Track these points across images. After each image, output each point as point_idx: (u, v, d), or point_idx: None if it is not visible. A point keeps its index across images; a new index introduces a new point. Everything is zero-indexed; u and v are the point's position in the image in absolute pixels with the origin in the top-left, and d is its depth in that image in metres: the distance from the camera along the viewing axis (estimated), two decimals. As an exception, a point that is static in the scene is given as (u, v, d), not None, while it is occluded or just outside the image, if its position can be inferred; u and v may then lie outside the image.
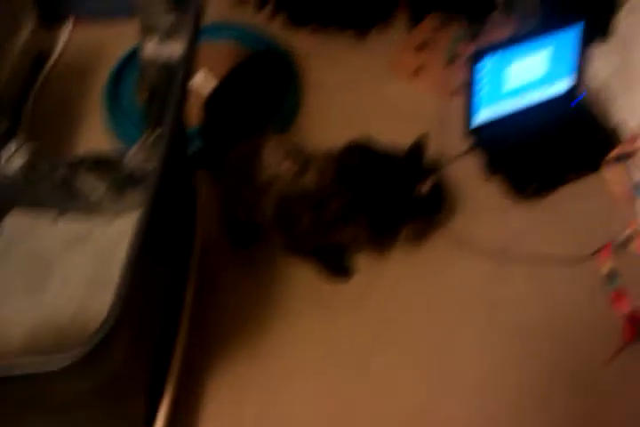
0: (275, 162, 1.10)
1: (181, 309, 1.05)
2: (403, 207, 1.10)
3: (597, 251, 1.20)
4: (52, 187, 1.15)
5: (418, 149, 1.14)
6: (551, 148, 1.35)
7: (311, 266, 1.19)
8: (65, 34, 1.57)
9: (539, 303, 1.16)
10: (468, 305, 1.17)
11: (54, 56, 1.53)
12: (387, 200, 1.09)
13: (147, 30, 1.07)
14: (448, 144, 1.35)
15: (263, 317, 1.16)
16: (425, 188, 1.08)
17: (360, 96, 1.46)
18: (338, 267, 1.20)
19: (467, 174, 1.32)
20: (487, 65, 1.28)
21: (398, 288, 1.19)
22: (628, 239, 1.21)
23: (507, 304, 1.16)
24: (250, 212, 1.15)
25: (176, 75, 0.92)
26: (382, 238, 1.16)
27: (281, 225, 1.13)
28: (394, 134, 1.37)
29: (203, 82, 1.40)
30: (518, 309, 1.16)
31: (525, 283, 1.19)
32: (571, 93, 1.42)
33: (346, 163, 1.10)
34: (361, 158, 1.11)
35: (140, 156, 1.16)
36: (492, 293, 1.18)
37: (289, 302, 1.17)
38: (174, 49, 1.07)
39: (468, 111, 1.34)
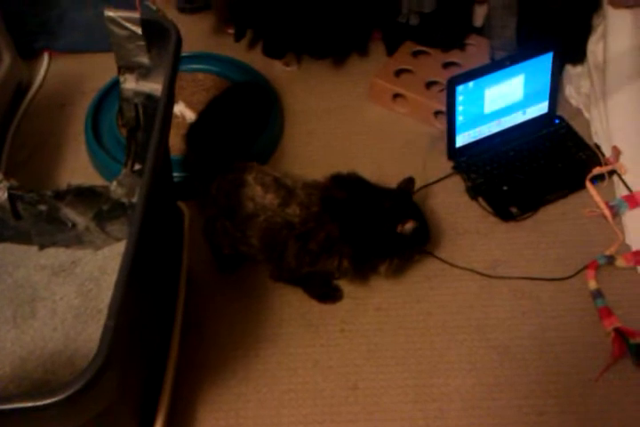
0: (258, 195, 1.15)
1: (171, 335, 1.08)
2: (385, 242, 1.16)
3: (583, 268, 1.26)
4: (35, 219, 1.20)
5: (406, 187, 1.21)
6: (532, 169, 1.42)
7: (299, 291, 1.24)
8: (43, 67, 1.64)
9: (526, 322, 1.21)
10: (455, 326, 1.21)
11: (34, 89, 1.59)
12: (371, 233, 1.15)
13: (124, 69, 1.13)
14: (430, 168, 1.42)
15: (252, 341, 1.19)
16: (407, 227, 1.14)
17: (340, 123, 1.54)
18: (325, 292, 1.25)
19: (449, 197, 1.39)
20: (464, 91, 1.36)
21: (386, 311, 1.23)
22: (614, 255, 1.27)
23: (495, 324, 1.21)
24: (234, 244, 1.20)
25: (156, 111, 0.96)
26: (364, 269, 1.21)
27: (267, 255, 1.18)
28: (375, 160, 1.47)
29: (180, 114, 1.46)
30: (506, 328, 1.20)
31: (512, 302, 1.24)
32: (549, 116, 1.50)
33: (332, 195, 1.16)
34: (347, 191, 1.16)
35: (123, 187, 1.21)
36: (479, 313, 1.23)
37: (278, 326, 1.21)
38: (153, 87, 1.13)
39: (449, 135, 1.42)
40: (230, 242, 1.20)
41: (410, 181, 1.21)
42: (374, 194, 1.17)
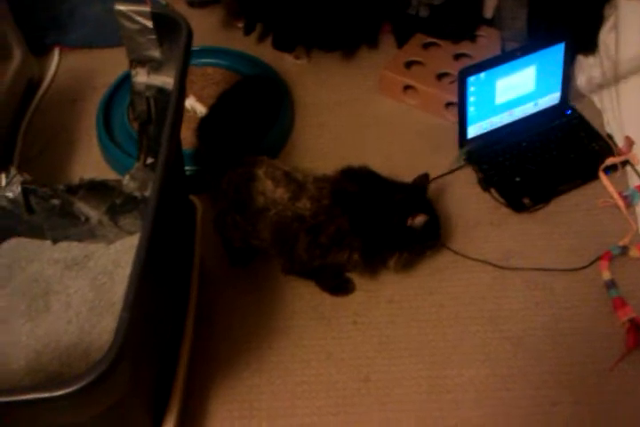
0: (269, 189, 1.17)
1: (183, 328, 1.10)
2: (395, 235, 1.16)
3: (596, 259, 1.27)
4: (49, 213, 1.21)
5: (421, 182, 1.21)
6: (544, 160, 1.43)
7: (311, 283, 1.26)
8: (54, 62, 1.66)
9: (540, 313, 1.22)
10: (468, 318, 1.22)
11: (45, 84, 1.61)
12: (380, 226, 1.16)
13: (135, 63, 1.14)
14: (441, 159, 1.43)
15: (265, 334, 1.21)
16: (417, 221, 1.14)
17: (351, 115, 1.55)
18: (337, 284, 1.26)
19: (462, 189, 1.40)
20: (476, 82, 1.37)
21: (398, 303, 1.25)
22: (628, 245, 1.27)
23: (508, 315, 1.22)
24: (245, 237, 1.21)
25: (167, 105, 0.97)
26: (374, 262, 1.22)
27: (278, 249, 1.20)
28: (386, 152, 1.48)
29: (191, 108, 1.47)
30: (520, 319, 1.21)
31: (526, 293, 1.24)
32: (561, 106, 1.50)
33: (343, 188, 1.17)
34: (358, 184, 1.17)
35: (136, 181, 1.22)
36: (492, 304, 1.23)
37: (290, 318, 1.23)
38: (164, 81, 1.14)
39: (460, 127, 1.42)
40: (241, 236, 1.21)
41: (425, 177, 1.22)
42: (385, 187, 1.18)
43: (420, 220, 1.13)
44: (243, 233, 1.20)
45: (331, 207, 1.14)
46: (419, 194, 1.20)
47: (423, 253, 1.24)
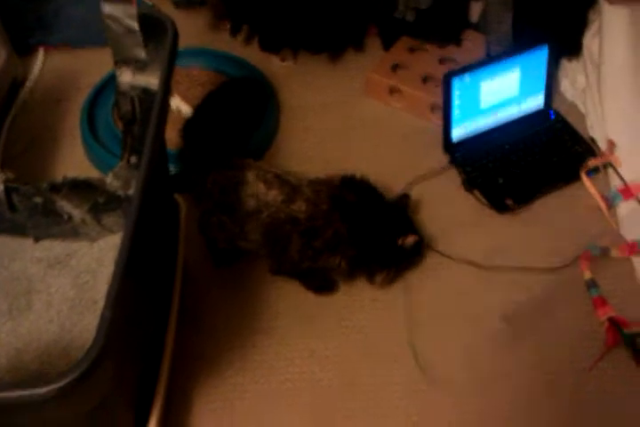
0: (261, 191, 1.19)
1: (166, 328, 1.11)
2: (386, 252, 1.20)
3: (576, 258, 1.29)
4: (31, 212, 1.22)
5: (402, 202, 1.26)
6: (527, 162, 1.45)
7: (295, 284, 1.27)
8: (39, 62, 1.67)
9: (521, 312, 1.24)
10: (452, 318, 1.24)
11: (29, 84, 1.62)
12: (376, 240, 1.19)
13: (120, 63, 1.15)
14: (426, 161, 1.46)
15: (249, 333, 1.22)
16: (409, 242, 1.19)
17: (337, 118, 1.56)
18: (321, 284, 1.28)
19: (446, 190, 1.42)
20: (461, 85, 1.39)
21: (382, 303, 1.26)
22: (609, 246, 1.30)
23: (490, 314, 1.24)
24: (231, 238, 1.23)
25: (152, 105, 0.99)
26: (360, 273, 1.25)
27: (269, 250, 1.22)
28: (372, 155, 1.50)
29: (176, 108, 1.48)
30: (501, 318, 1.23)
31: (507, 292, 1.27)
32: (544, 110, 1.53)
33: (344, 196, 1.20)
34: (356, 194, 1.21)
35: (119, 180, 1.23)
36: (475, 303, 1.26)
37: (274, 318, 1.24)
38: (149, 81, 1.15)
39: (445, 129, 1.45)
40: (227, 237, 1.23)
41: (405, 198, 1.27)
42: (382, 203, 1.22)
43: (411, 240, 1.18)
44: (229, 234, 1.22)
45: (329, 212, 1.17)
46: (401, 213, 1.24)
47: (407, 269, 1.28)
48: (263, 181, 1.19)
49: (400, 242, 1.18)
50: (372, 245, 1.19)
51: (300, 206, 1.17)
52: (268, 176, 1.19)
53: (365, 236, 1.18)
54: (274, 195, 1.17)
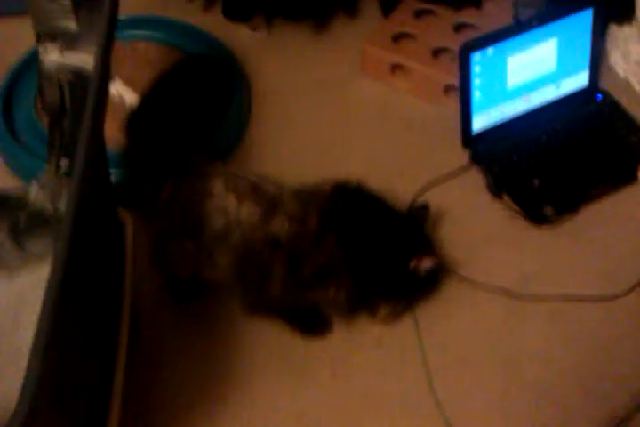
0: (231, 205, 1.17)
1: (112, 379, 1.09)
2: (396, 278, 1.19)
3: (636, 285, 1.29)
4: None
5: (420, 214, 1.25)
6: (569, 158, 1.45)
7: (277, 323, 1.25)
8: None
9: (569, 354, 1.24)
10: (479, 362, 1.23)
11: None
12: (381, 264, 1.18)
13: (44, 38, 1.14)
14: (440, 159, 1.45)
15: (218, 389, 1.20)
16: (424, 266, 1.17)
17: (324, 104, 1.56)
18: (311, 323, 1.27)
19: (466, 196, 1.42)
20: (482, 60, 1.38)
21: (388, 347, 1.25)
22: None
23: (529, 358, 1.23)
24: (194, 268, 1.22)
25: (86, 91, 0.97)
26: (362, 307, 1.24)
27: (243, 282, 1.20)
28: (369, 151, 1.49)
29: (118, 95, 1.47)
30: (544, 363, 1.23)
31: (548, 327, 1.26)
32: (589, 90, 1.53)
33: (336, 210, 1.18)
34: (355, 207, 1.19)
35: (46, 191, 1.22)
36: (509, 344, 1.25)
37: (250, 369, 1.22)
38: (82, 59, 1.14)
39: (464, 117, 1.44)
40: (190, 266, 1.22)
41: (425, 210, 1.26)
42: (387, 216, 1.21)
43: (427, 264, 1.17)
44: (192, 263, 1.21)
45: (319, 231, 1.16)
46: (417, 228, 1.23)
47: (419, 299, 1.27)
48: (234, 191, 1.17)
49: (413, 265, 1.17)
50: (375, 271, 1.18)
51: (281, 224, 1.15)
52: (241, 185, 1.18)
53: (367, 260, 1.17)
54: (248, 210, 1.16)
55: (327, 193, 1.20)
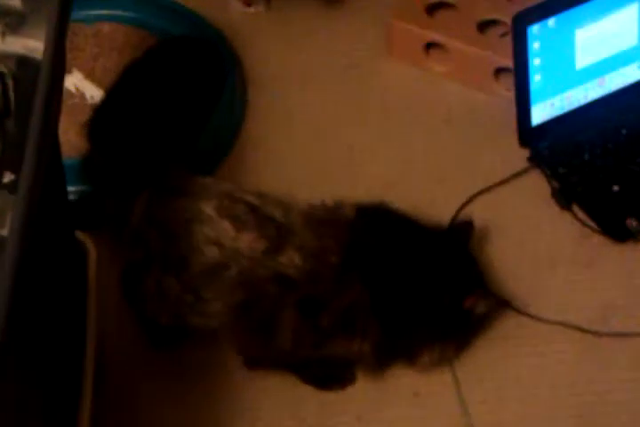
0: (227, 235, 1.18)
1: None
2: (440, 322, 1.21)
3: None
4: None
5: (460, 234, 1.27)
6: (658, 156, 1.48)
7: (287, 374, 1.28)
8: None
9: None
10: (548, 418, 1.24)
11: None
12: (421, 308, 1.20)
13: None
14: (491, 161, 1.48)
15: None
16: (483, 305, 1.20)
17: (339, 94, 1.59)
18: (329, 374, 1.29)
19: (526, 206, 1.44)
20: (542, 34, 1.40)
21: (429, 397, 1.27)
22: None
23: (614, 411, 1.24)
24: (179, 312, 1.23)
25: (36, 86, 0.98)
26: (394, 357, 1.26)
27: (244, 333, 1.22)
28: (399, 151, 1.52)
29: (77, 92, 1.51)
30: (633, 417, 1.23)
31: (636, 373, 1.27)
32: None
33: (362, 239, 1.20)
34: (384, 237, 1.22)
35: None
36: (587, 394, 1.26)
37: (252, 429, 1.25)
38: (29, 46, 1.13)
39: (520, 108, 1.46)
40: (172, 310, 1.23)
41: (467, 228, 1.28)
42: (423, 242, 1.23)
43: (486, 304, 1.20)
44: (176, 305, 1.22)
45: (342, 269, 1.17)
46: (466, 255, 1.26)
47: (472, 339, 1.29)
48: (230, 216, 1.19)
49: (468, 305, 1.19)
50: (412, 314, 1.20)
51: (291, 259, 1.16)
52: (238, 209, 1.20)
53: (400, 301, 1.19)
54: (249, 240, 1.17)
55: (348, 219, 1.22)
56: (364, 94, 1.59)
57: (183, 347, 1.31)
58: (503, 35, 1.52)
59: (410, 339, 1.22)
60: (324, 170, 1.49)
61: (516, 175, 1.46)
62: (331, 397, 1.27)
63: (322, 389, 1.28)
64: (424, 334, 1.22)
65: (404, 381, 1.28)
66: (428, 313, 1.20)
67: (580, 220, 1.41)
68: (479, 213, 1.39)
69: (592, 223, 1.40)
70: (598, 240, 1.39)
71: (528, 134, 1.48)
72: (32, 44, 1.13)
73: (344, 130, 1.55)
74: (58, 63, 1.02)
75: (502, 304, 1.32)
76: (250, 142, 1.54)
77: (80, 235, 1.27)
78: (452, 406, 1.26)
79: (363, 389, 1.28)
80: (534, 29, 1.39)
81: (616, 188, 1.43)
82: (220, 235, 1.17)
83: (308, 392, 1.28)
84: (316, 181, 1.46)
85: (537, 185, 1.45)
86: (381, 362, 1.25)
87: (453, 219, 1.39)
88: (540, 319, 1.32)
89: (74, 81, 1.50)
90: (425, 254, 1.21)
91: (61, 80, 1.07)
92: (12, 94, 1.18)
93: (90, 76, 1.51)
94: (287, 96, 1.58)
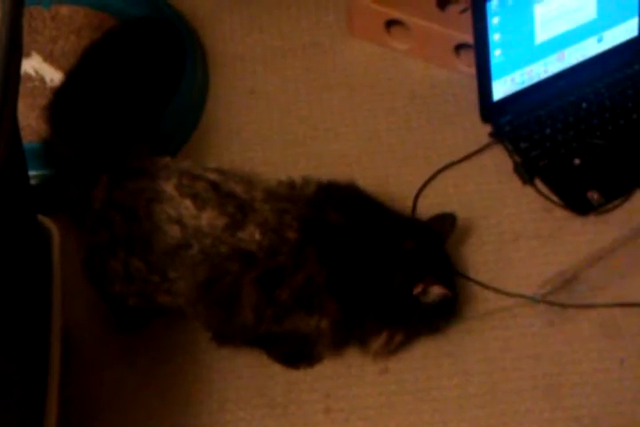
0: (188, 213, 1.18)
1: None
2: (390, 306, 1.21)
3: None
4: None
5: (442, 227, 1.27)
6: (617, 129, 1.48)
7: (255, 350, 1.29)
8: None
9: (627, 376, 1.25)
10: (513, 390, 1.25)
11: None
12: (372, 288, 1.20)
13: None
14: (454, 138, 1.49)
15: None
16: (432, 294, 1.19)
17: (301, 74, 1.59)
18: (296, 351, 1.30)
19: (489, 182, 1.45)
20: (502, 9, 1.40)
21: (397, 374, 1.28)
22: None
23: (576, 382, 1.25)
24: (144, 292, 1.23)
25: None
26: (351, 337, 1.27)
27: (208, 309, 1.22)
28: (363, 131, 1.52)
29: (36, 75, 1.50)
30: (595, 388, 1.25)
31: (601, 343, 1.28)
32: (640, 43, 1.57)
33: (319, 217, 1.20)
34: (344, 212, 1.21)
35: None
36: (549, 366, 1.27)
37: (221, 409, 1.25)
38: None
39: (481, 83, 1.46)
40: (139, 290, 1.23)
41: (450, 221, 1.28)
42: (387, 224, 1.23)
43: (436, 292, 1.19)
44: (142, 286, 1.22)
45: (299, 244, 1.17)
46: (437, 244, 1.25)
47: (425, 333, 1.29)
48: (191, 195, 1.19)
49: (416, 291, 1.19)
50: (365, 294, 1.20)
51: (251, 235, 1.17)
52: (199, 187, 1.20)
53: (355, 279, 1.19)
54: (210, 218, 1.18)
55: (309, 196, 1.22)
56: (327, 73, 1.58)
57: (151, 328, 1.32)
58: (463, 11, 1.52)
59: (363, 321, 1.22)
60: (287, 149, 1.50)
61: (479, 151, 1.47)
62: (299, 375, 1.29)
63: (290, 367, 1.29)
64: (374, 319, 1.22)
65: (372, 358, 1.28)
66: (378, 296, 1.20)
67: (542, 193, 1.42)
68: (443, 189, 1.41)
69: (554, 197, 1.42)
70: (561, 213, 1.40)
71: (489, 110, 1.49)
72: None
73: (307, 109, 1.55)
74: (14, 47, 0.99)
75: (466, 279, 1.34)
76: (212, 123, 1.54)
77: (43, 219, 1.26)
78: (420, 381, 1.27)
79: (331, 366, 1.29)
80: (493, 5, 1.39)
81: (577, 161, 1.44)
82: (181, 214, 1.18)
83: (276, 371, 1.29)
84: (280, 160, 1.47)
85: (499, 160, 1.46)
86: (340, 340, 1.26)
87: (417, 195, 1.40)
88: (504, 293, 1.33)
89: (33, 64, 1.49)
90: (380, 234, 1.21)
91: (18, 64, 1.03)
92: (-37, 80, 1.18)
93: (49, 59, 1.51)
94: (248, 76, 1.58)
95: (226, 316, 1.20)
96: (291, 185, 1.24)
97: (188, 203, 1.18)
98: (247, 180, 1.23)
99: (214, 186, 1.20)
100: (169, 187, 1.19)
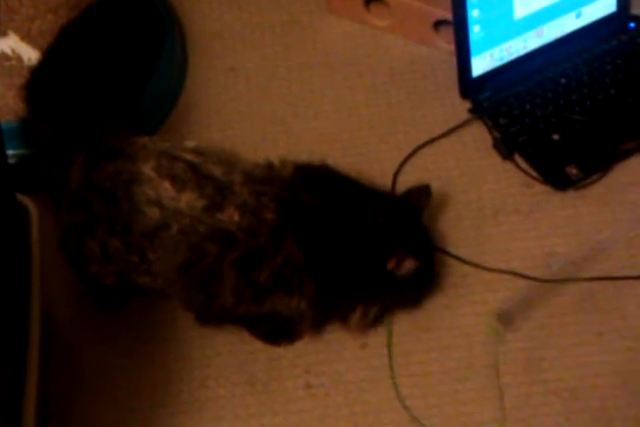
0: (167, 194, 1.18)
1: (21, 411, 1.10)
2: (365, 282, 1.22)
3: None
4: None
5: (417, 200, 1.27)
6: (596, 104, 1.48)
7: (237, 328, 1.30)
8: None
9: (606, 348, 1.26)
10: (492, 365, 1.26)
11: None
12: (346, 266, 1.21)
13: None
14: (433, 114, 1.49)
15: (162, 413, 1.24)
16: (404, 268, 1.19)
17: (280, 51, 1.60)
18: (277, 328, 1.31)
19: (468, 158, 1.46)
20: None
21: (377, 349, 1.29)
22: None
23: (555, 356, 1.26)
24: (123, 272, 1.24)
25: None
26: (330, 315, 1.28)
27: (188, 290, 1.23)
28: (342, 108, 1.52)
29: (13, 54, 1.48)
30: (574, 361, 1.26)
31: (580, 316, 1.29)
32: (619, 17, 1.56)
33: (297, 198, 1.20)
34: (318, 194, 1.21)
35: None
36: (531, 335, 1.28)
37: (202, 386, 1.26)
38: None
39: (460, 59, 1.47)
40: (117, 270, 1.24)
41: (424, 192, 1.28)
42: (361, 200, 1.23)
43: (408, 266, 1.19)
44: (121, 266, 1.23)
45: (277, 225, 1.18)
46: (411, 218, 1.25)
47: (404, 306, 1.30)
48: (169, 176, 1.19)
49: (390, 266, 1.19)
50: (339, 273, 1.21)
51: (230, 216, 1.17)
52: (177, 168, 1.20)
53: (330, 258, 1.20)
54: (188, 200, 1.18)
55: (287, 178, 1.23)
56: (306, 50, 1.59)
57: (131, 307, 1.32)
58: (442, -14, 1.52)
59: (341, 299, 1.23)
60: (267, 127, 1.50)
61: (459, 127, 1.48)
62: (280, 352, 1.29)
63: (271, 344, 1.30)
64: (351, 295, 1.23)
65: (351, 334, 1.29)
66: (354, 273, 1.21)
67: (521, 169, 1.43)
68: (423, 165, 1.41)
69: (533, 172, 1.43)
70: (540, 189, 1.41)
71: (469, 86, 1.50)
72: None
73: (286, 87, 1.55)
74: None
75: (446, 254, 1.34)
76: (191, 102, 1.54)
77: (21, 198, 1.26)
78: (400, 356, 1.28)
79: (311, 343, 1.30)
80: (472, -22, 1.40)
81: (556, 136, 1.45)
82: (160, 195, 1.17)
83: (257, 348, 1.30)
84: (260, 138, 1.47)
85: (479, 136, 1.47)
86: (320, 318, 1.27)
87: (397, 172, 1.41)
88: (484, 268, 1.34)
89: (9, 43, 1.47)
90: (352, 211, 1.22)
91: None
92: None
93: (26, 37, 1.49)
94: (227, 53, 1.58)
95: (205, 297, 1.21)
96: (269, 167, 1.24)
97: (166, 184, 1.17)
98: (226, 161, 1.23)
99: (193, 167, 1.19)
100: (147, 168, 1.19)
